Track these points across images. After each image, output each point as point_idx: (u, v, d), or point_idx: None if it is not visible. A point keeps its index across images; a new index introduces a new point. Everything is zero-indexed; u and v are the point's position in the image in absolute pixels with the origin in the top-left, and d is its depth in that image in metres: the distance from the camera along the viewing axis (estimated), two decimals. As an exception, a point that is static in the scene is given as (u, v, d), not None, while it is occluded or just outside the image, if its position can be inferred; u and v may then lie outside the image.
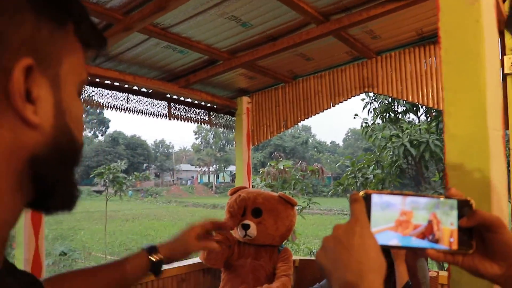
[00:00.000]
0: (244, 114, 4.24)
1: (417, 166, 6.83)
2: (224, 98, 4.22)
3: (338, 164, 8.98)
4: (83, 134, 0.71)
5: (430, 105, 3.27)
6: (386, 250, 0.77)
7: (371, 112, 7.26)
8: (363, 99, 7.23)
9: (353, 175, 7.07)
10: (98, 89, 3.48)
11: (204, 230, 1.32)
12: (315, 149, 68.79)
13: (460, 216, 0.81)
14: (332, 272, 0.72)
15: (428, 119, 7.04)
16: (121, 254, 12.28)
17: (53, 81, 0.60)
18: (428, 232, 0.80)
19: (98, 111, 63.73)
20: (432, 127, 6.57)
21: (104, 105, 3.55)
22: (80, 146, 0.66)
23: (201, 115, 4.37)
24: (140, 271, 1.18)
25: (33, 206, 0.63)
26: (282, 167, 9.09)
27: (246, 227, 2.80)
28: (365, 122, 7.49)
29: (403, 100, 6.67)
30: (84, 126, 0.76)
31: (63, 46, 0.62)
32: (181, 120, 4.17)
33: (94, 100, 3.46)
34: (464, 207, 0.81)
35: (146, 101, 3.87)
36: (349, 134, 77.04)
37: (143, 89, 3.78)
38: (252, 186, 4.66)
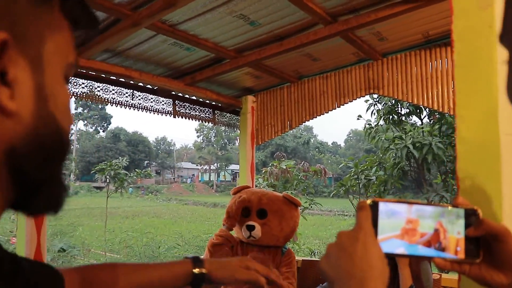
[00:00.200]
0: (248, 113, 4.25)
1: (419, 168, 6.84)
2: (229, 97, 4.23)
3: (340, 166, 8.97)
4: (72, 126, 0.62)
5: (435, 108, 3.27)
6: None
7: (374, 113, 7.27)
8: (366, 101, 7.24)
9: (355, 176, 7.07)
10: (103, 84, 3.49)
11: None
12: (317, 149, 68.77)
13: (467, 225, 0.80)
14: (335, 279, 0.72)
15: (431, 122, 7.04)
16: (121, 252, 12.28)
17: (34, 62, 0.52)
18: (434, 241, 0.80)
19: (100, 106, 63.86)
20: (435, 129, 6.57)
21: (109, 100, 3.56)
22: (67, 139, 0.58)
23: (205, 113, 4.37)
24: (180, 281, 1.11)
25: (15, 207, 0.56)
26: (284, 167, 9.09)
27: (251, 228, 2.79)
28: (368, 124, 7.50)
29: (407, 103, 6.68)
30: (74, 118, 0.65)
31: (47, 22, 0.55)
32: (185, 118, 4.18)
33: (99, 95, 3.47)
34: (471, 216, 0.80)
35: (151, 98, 3.88)
36: (350, 135, 77.01)
37: (148, 86, 3.79)
38: (255, 185, 4.66)
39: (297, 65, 3.67)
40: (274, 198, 2.95)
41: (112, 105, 3.58)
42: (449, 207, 0.81)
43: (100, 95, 3.47)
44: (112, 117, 73.16)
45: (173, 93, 3.95)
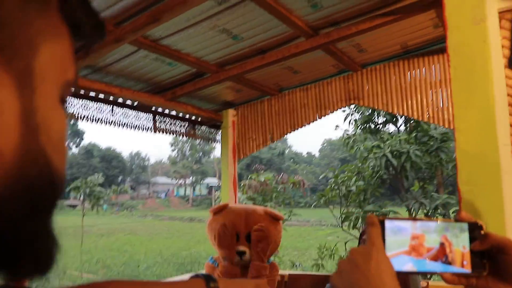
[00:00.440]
0: (229, 127, 4.24)
1: (397, 176, 6.93)
2: (210, 111, 4.21)
3: (321, 177, 9.03)
4: (66, 161, 0.47)
5: (415, 117, 3.32)
6: None
7: (352, 123, 7.36)
8: (344, 111, 7.32)
9: (336, 187, 7.13)
10: (83, 100, 3.43)
11: None
12: (292, 160, 69.07)
13: (471, 239, 0.81)
14: None
15: (407, 130, 7.16)
16: (99, 272, 11.99)
17: (22, 78, 0.39)
18: (441, 255, 0.81)
19: (72, 121, 62.78)
20: (411, 137, 6.69)
21: (89, 118, 3.50)
22: (60, 182, 0.44)
23: (186, 128, 4.34)
24: None
25: None
26: (263, 180, 9.09)
27: (242, 254, 2.78)
28: (346, 133, 7.58)
29: (383, 112, 6.79)
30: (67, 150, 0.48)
31: (40, 26, 0.42)
32: (166, 133, 4.14)
33: (79, 113, 3.41)
34: (474, 230, 0.82)
35: (131, 114, 3.83)
36: (325, 144, 77.64)
37: (128, 102, 3.74)
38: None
39: (278, 78, 3.69)
40: (258, 217, 2.92)
41: (92, 122, 3.51)
42: (453, 222, 0.82)
43: (79, 113, 3.41)
44: (84, 132, 72.08)
45: (153, 108, 3.91)
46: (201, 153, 68.71)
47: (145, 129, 3.95)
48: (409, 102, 3.30)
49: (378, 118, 7.14)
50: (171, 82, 3.49)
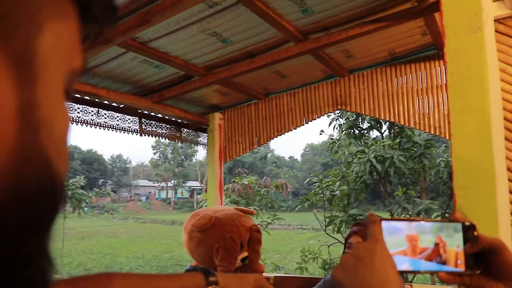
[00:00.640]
0: (216, 131, 4.23)
1: (381, 181, 6.99)
2: (196, 114, 4.20)
3: (306, 181, 9.07)
4: (68, 166, 0.39)
5: (402, 123, 3.36)
6: None
7: (336, 128, 7.41)
8: (329, 116, 7.36)
9: (321, 191, 7.16)
10: (68, 102, 3.38)
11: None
12: (274, 164, 69.17)
13: (465, 239, 0.84)
14: None
15: (391, 135, 7.23)
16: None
17: (22, 63, 0.31)
18: (435, 255, 0.83)
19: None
20: (395, 143, 6.76)
21: (74, 120, 3.45)
22: (61, 188, 0.36)
23: (172, 131, 4.32)
24: None
25: None
26: (246, 183, 9.08)
27: (245, 259, 2.75)
28: (331, 138, 7.62)
29: (368, 117, 6.85)
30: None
31: (44, 3, 0.34)
32: (152, 136, 4.11)
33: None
34: (468, 230, 0.84)
35: (117, 116, 3.79)
36: (307, 149, 77.96)
37: (114, 104, 3.70)
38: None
39: (266, 82, 3.70)
40: (245, 218, 2.87)
41: (77, 125, 3.47)
42: (447, 222, 0.85)
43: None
44: (65, 134, 70.72)
45: (140, 111, 3.88)
46: (183, 156, 68.40)
47: (131, 131, 3.92)
48: (396, 108, 3.34)
49: (362, 123, 7.20)
50: (158, 84, 3.47)
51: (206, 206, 5.75)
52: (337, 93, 3.58)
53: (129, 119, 3.90)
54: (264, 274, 3.18)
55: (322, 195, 7.22)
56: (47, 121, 0.33)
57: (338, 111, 7.13)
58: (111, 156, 76.58)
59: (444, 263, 0.82)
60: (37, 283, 0.34)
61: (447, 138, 3.06)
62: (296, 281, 3.46)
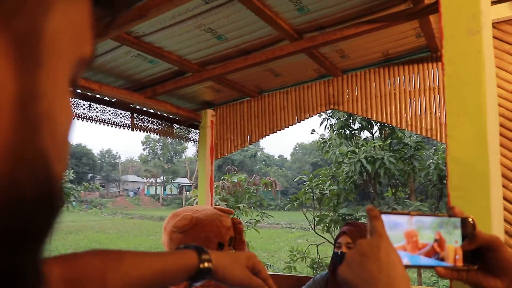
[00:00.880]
0: (208, 127, 4.22)
1: (371, 182, 7.03)
2: (189, 110, 4.18)
3: (295, 180, 9.08)
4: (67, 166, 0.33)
5: (394, 124, 3.37)
6: None
7: (328, 128, 7.43)
8: (320, 115, 7.38)
9: (310, 190, 7.18)
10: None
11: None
12: (263, 162, 69.25)
13: (463, 234, 0.86)
14: (360, 285, 0.72)
15: (382, 137, 7.27)
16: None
17: (25, 46, 0.26)
18: (435, 251, 0.84)
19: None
20: (386, 144, 6.80)
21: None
22: (59, 192, 0.30)
23: (164, 127, 4.30)
24: (182, 275, 0.92)
25: None
26: (236, 181, 9.06)
27: None
28: (322, 138, 7.65)
29: (359, 118, 6.88)
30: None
31: None
32: (143, 131, 4.09)
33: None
34: (466, 225, 0.86)
35: (109, 111, 3.76)
36: (297, 148, 78.12)
37: (106, 98, 3.68)
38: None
39: (259, 79, 3.69)
40: (225, 218, 2.83)
41: (68, 117, 3.43)
42: (446, 217, 0.86)
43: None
44: (53, 128, 70.13)
45: (132, 105, 3.86)
46: (173, 153, 68.23)
47: (123, 126, 3.89)
48: (388, 109, 3.35)
49: (353, 124, 7.23)
50: (151, 79, 3.45)
51: (196, 202, 5.75)
52: (330, 92, 3.59)
53: (120, 113, 3.87)
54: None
55: (311, 194, 7.24)
56: (49, 117, 0.28)
57: (329, 111, 7.16)
58: (100, 151, 76.20)
59: (442, 259, 0.84)
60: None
61: (439, 140, 3.08)
62: (284, 279, 3.46)
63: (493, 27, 2.45)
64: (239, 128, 4.14)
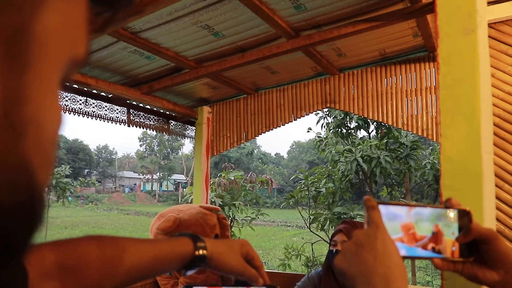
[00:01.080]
0: (204, 124, 4.21)
1: (366, 181, 7.04)
2: (185, 107, 4.18)
3: (292, 178, 9.09)
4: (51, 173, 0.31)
5: (390, 123, 3.37)
6: None
7: (324, 126, 7.44)
8: (317, 114, 7.38)
9: (306, 188, 7.19)
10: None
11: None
12: (260, 160, 69.28)
13: (460, 226, 0.87)
14: (356, 276, 0.72)
15: (378, 136, 7.28)
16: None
17: (12, 44, 0.24)
18: (432, 243, 0.85)
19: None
20: (382, 144, 6.80)
21: (62, 108, 3.41)
22: (41, 203, 0.28)
23: (160, 123, 4.29)
24: (177, 262, 0.91)
25: None
26: (232, 178, 9.07)
27: None
28: (318, 136, 7.66)
29: (356, 117, 6.88)
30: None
31: None
32: (139, 127, 4.08)
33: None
34: (463, 217, 0.88)
35: (106, 106, 3.76)
36: (293, 146, 78.18)
37: (103, 94, 3.67)
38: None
39: (255, 77, 3.69)
40: (210, 217, 2.80)
41: (65, 113, 3.42)
42: (443, 209, 0.87)
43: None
44: (50, 123, 69.95)
45: (128, 101, 3.85)
46: (169, 149, 68.21)
47: (119, 121, 3.88)
48: (385, 108, 3.35)
49: (350, 123, 7.24)
50: (148, 75, 3.44)
51: (192, 199, 5.74)
52: (327, 91, 3.59)
53: (117, 109, 3.87)
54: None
55: (307, 193, 7.25)
56: (35, 122, 0.26)
57: (326, 110, 7.16)
58: (97, 147, 76.12)
59: (439, 251, 0.85)
60: None
61: (434, 139, 3.09)
62: (278, 276, 3.46)
63: (491, 27, 2.46)
64: (235, 125, 4.14)
